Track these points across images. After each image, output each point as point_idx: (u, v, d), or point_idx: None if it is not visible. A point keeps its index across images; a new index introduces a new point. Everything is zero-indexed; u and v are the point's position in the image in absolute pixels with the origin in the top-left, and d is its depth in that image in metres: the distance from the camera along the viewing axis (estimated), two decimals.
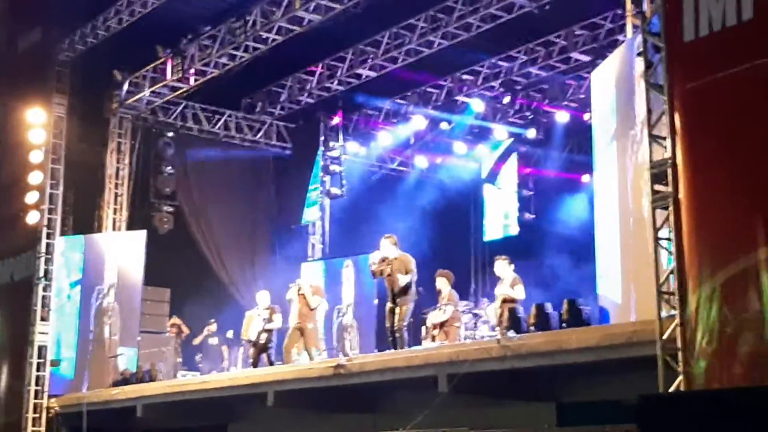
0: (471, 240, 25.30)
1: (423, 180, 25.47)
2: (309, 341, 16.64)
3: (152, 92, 21.80)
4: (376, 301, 19.98)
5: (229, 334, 20.79)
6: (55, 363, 20.63)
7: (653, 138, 9.80)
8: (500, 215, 24.03)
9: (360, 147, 24.95)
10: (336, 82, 22.01)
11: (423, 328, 16.44)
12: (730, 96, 8.78)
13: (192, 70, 20.77)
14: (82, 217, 22.16)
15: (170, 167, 22.96)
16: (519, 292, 14.80)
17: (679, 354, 9.01)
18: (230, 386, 16.39)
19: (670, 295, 9.39)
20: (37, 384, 20.73)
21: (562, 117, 22.07)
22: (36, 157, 21.16)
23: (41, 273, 21.08)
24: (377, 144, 24.91)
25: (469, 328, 16.62)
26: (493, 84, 21.84)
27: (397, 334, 14.93)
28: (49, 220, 21.35)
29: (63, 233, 21.55)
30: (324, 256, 24.22)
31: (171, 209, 22.87)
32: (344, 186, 24.08)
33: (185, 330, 21.49)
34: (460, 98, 22.57)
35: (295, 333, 16.65)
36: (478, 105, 22.43)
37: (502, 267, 15.16)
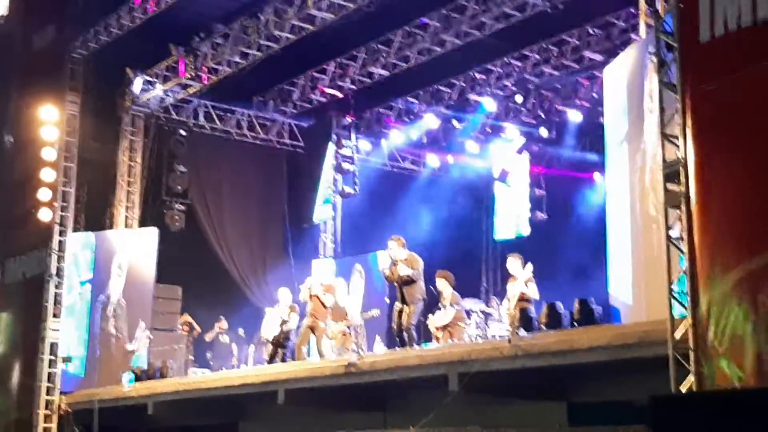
0: (482, 239, 25.30)
1: (435, 179, 25.49)
2: (320, 340, 16.68)
3: (165, 90, 21.85)
4: (387, 300, 19.97)
5: (240, 331, 20.82)
6: (68, 360, 20.69)
7: (665, 137, 9.76)
8: (512, 215, 23.98)
9: (372, 146, 24.97)
10: (348, 80, 22.00)
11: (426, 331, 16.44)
12: (745, 96, 8.74)
13: (205, 69, 20.82)
14: (95, 215, 22.21)
15: (182, 165, 22.97)
16: (533, 291, 14.80)
17: (691, 354, 8.98)
18: (241, 384, 16.40)
19: (681, 295, 9.36)
20: (48, 381, 20.77)
21: (574, 116, 22.03)
22: (49, 154, 21.22)
23: (53, 270, 21.11)
24: (389, 143, 24.92)
25: (480, 326, 16.59)
26: (505, 83, 21.80)
27: (406, 334, 14.98)
28: (62, 217, 21.37)
29: (75, 231, 21.57)
30: (335, 255, 24.24)
31: (183, 207, 22.88)
32: (357, 185, 24.10)
33: (197, 328, 21.51)
34: (473, 97, 22.54)
35: (306, 331, 16.68)
36: (490, 104, 22.40)
37: (515, 264, 15.16)
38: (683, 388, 9.02)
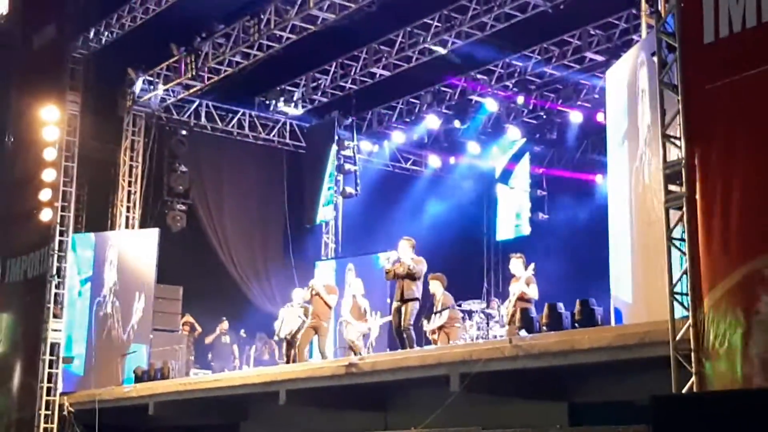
0: (483, 240, 25.33)
1: (436, 179, 25.49)
2: (323, 340, 16.71)
3: (166, 90, 21.85)
4: (388, 301, 19.94)
5: (242, 332, 20.81)
6: (68, 360, 20.69)
7: (667, 138, 9.74)
8: (513, 215, 23.98)
9: (373, 146, 24.96)
10: (350, 80, 22.03)
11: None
12: (749, 97, 8.74)
13: (206, 69, 20.86)
14: (96, 215, 22.22)
15: (183, 165, 22.95)
16: (533, 291, 14.83)
17: (692, 354, 8.97)
18: (242, 385, 16.38)
19: (683, 296, 9.35)
20: (49, 381, 20.76)
21: (575, 117, 22.02)
22: (50, 154, 21.19)
23: (54, 270, 21.10)
24: (391, 143, 24.91)
25: (481, 327, 16.62)
26: (507, 84, 21.82)
27: (405, 334, 15.05)
28: (63, 217, 21.34)
29: (76, 231, 21.56)
30: (337, 255, 24.23)
31: (184, 207, 22.86)
32: (358, 185, 24.08)
33: (198, 328, 21.51)
34: (474, 98, 22.55)
35: (309, 332, 16.70)
36: (491, 104, 22.41)
37: (517, 265, 15.19)
38: (684, 389, 9.01)
